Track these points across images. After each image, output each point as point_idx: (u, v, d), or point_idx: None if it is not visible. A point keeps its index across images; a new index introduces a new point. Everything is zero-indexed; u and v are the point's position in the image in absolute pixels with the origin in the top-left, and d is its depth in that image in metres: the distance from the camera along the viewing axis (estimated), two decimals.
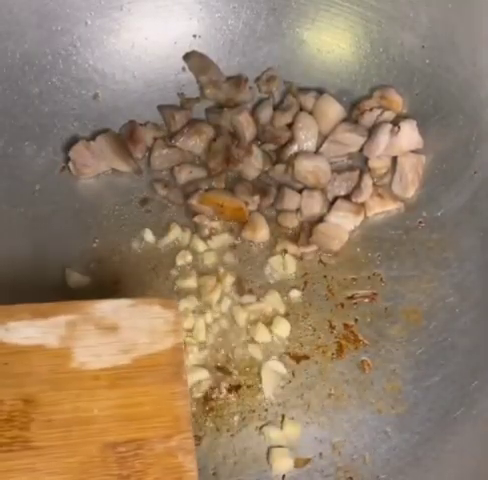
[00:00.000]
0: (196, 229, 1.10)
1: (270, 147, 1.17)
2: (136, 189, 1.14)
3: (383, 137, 1.12)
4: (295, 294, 1.06)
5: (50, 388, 0.71)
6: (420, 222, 1.11)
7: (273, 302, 1.05)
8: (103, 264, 1.07)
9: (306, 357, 1.01)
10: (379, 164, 1.14)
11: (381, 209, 1.12)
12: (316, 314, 1.04)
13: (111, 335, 0.75)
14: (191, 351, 1.00)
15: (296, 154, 1.13)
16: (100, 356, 0.74)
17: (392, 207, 1.13)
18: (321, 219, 1.10)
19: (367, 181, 1.12)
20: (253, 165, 1.14)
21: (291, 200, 1.11)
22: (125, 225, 1.10)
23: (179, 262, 1.07)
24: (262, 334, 1.02)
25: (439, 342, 1.02)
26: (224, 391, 0.98)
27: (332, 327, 1.04)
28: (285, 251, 1.08)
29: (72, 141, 1.14)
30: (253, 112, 1.18)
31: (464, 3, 1.10)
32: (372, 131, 1.14)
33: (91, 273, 1.06)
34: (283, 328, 1.03)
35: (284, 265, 1.07)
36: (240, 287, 1.06)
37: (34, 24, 1.11)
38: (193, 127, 1.16)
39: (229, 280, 1.05)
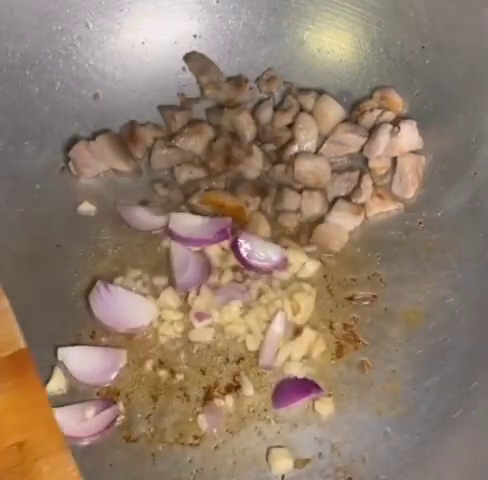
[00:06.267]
0: None
1: (270, 147, 1.17)
2: (136, 189, 1.14)
3: (383, 138, 1.12)
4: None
5: None
6: (420, 223, 1.11)
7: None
8: (103, 263, 1.07)
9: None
10: (379, 164, 1.14)
11: (381, 209, 1.12)
12: (316, 314, 1.04)
13: None
14: (192, 352, 1.01)
15: (296, 154, 1.13)
16: None
17: (392, 208, 1.13)
18: (321, 219, 1.10)
19: (367, 182, 1.12)
20: (253, 165, 1.14)
21: (291, 200, 1.11)
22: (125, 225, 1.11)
23: None
24: None
25: (439, 343, 1.02)
26: (223, 391, 0.98)
27: (332, 327, 1.04)
28: None
29: (72, 141, 1.14)
30: (253, 112, 1.18)
31: (464, 3, 1.10)
32: (372, 132, 1.14)
33: (90, 270, 1.06)
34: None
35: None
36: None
37: (34, 24, 1.12)
38: (193, 127, 1.16)
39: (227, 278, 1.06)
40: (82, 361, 0.98)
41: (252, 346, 1.01)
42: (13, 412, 0.77)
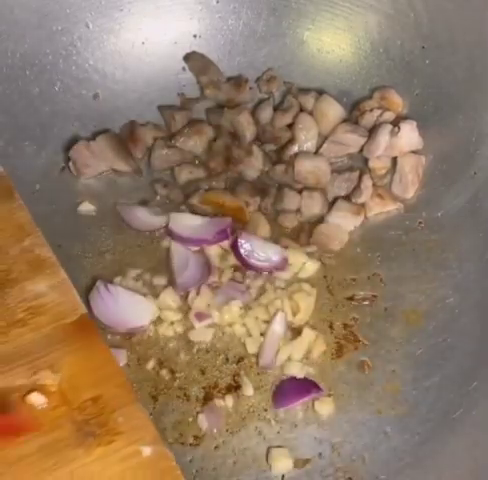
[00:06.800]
0: None
1: (270, 147, 1.17)
2: (136, 189, 1.14)
3: (383, 138, 1.12)
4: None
5: None
6: (420, 223, 1.11)
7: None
8: (103, 263, 1.07)
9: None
10: (379, 165, 1.14)
11: (381, 209, 1.12)
12: (316, 314, 1.04)
13: None
14: (193, 352, 1.01)
15: (296, 154, 1.14)
16: None
17: (392, 207, 1.13)
18: (321, 219, 1.10)
19: (367, 182, 1.12)
20: (253, 165, 1.14)
21: (291, 200, 1.11)
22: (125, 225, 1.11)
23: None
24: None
25: (439, 343, 1.02)
26: (224, 391, 0.98)
27: (332, 327, 1.04)
28: None
29: (72, 141, 1.14)
30: (253, 112, 1.18)
31: (464, 3, 1.10)
32: (372, 132, 1.14)
33: (90, 270, 1.06)
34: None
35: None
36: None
37: (34, 24, 1.12)
38: (193, 127, 1.16)
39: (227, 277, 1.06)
40: None
41: (252, 349, 1.01)
42: (84, 372, 0.80)
